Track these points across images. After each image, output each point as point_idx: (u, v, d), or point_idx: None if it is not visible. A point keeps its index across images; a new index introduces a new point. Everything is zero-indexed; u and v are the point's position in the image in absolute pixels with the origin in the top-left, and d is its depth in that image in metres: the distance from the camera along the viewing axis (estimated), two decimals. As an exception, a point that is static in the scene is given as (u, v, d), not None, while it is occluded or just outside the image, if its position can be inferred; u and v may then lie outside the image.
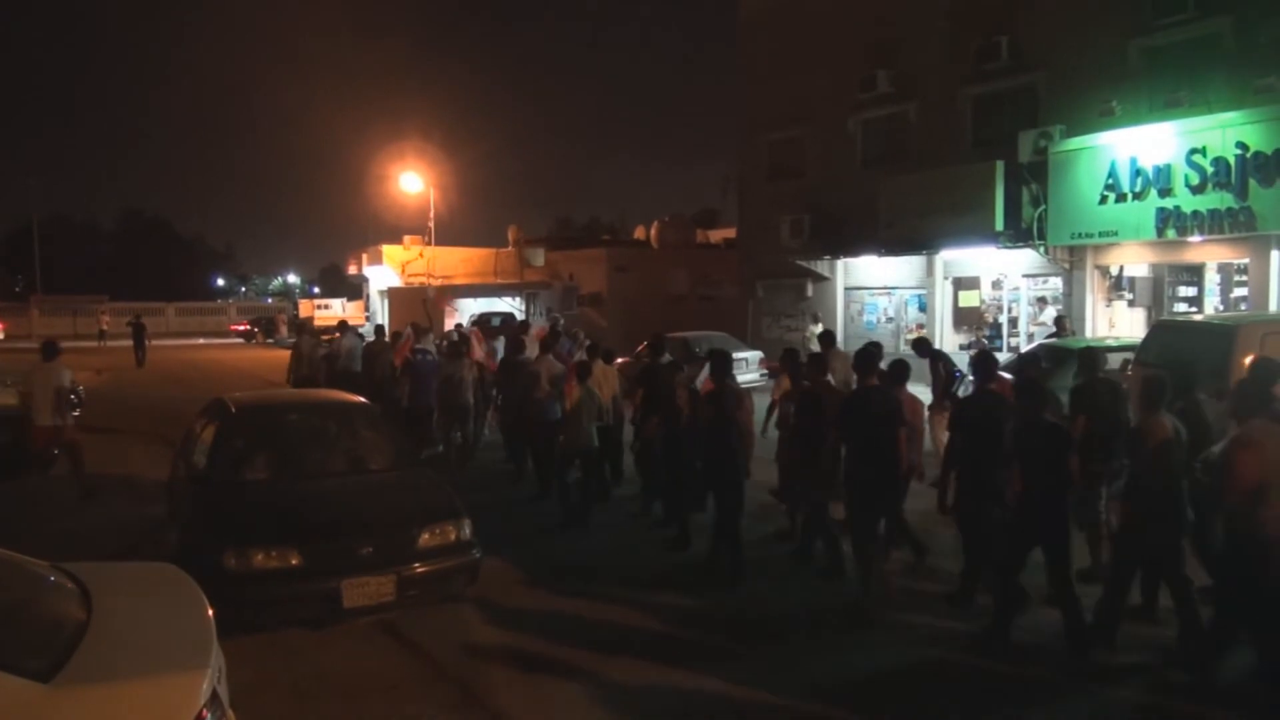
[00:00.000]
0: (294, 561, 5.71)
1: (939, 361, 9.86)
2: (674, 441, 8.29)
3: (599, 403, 9.09)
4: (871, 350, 6.93)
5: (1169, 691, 5.15)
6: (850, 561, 6.73)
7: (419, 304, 31.67)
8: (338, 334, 16.02)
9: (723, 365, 7.73)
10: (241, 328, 49.52)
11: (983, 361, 6.82)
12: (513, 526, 8.78)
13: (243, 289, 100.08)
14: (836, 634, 6.08)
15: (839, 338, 21.74)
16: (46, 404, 9.95)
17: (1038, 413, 5.76)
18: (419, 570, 5.99)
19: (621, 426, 10.21)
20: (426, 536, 6.14)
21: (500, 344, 14.13)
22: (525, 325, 19.79)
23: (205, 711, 3.34)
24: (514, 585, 7.12)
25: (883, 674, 5.48)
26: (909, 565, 7.13)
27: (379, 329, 15.41)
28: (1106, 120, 16.16)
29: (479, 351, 12.81)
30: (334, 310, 49.78)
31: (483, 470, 11.41)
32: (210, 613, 4.10)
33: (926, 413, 8.51)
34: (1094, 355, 7.23)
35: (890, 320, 21.57)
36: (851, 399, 6.75)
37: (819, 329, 15.26)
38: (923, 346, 10.42)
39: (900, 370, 7.25)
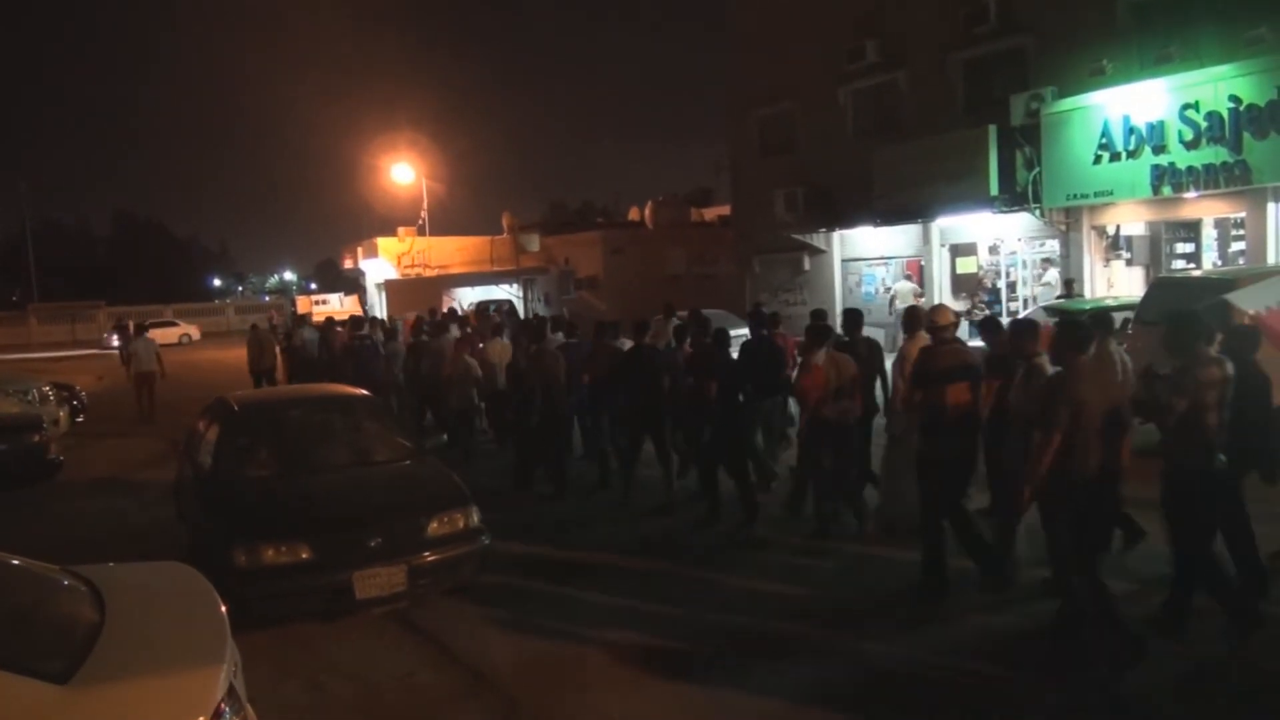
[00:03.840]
0: (304, 555, 5.73)
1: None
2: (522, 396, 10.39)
3: (477, 372, 11.21)
4: (648, 322, 9.90)
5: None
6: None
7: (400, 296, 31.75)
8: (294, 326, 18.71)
9: (539, 330, 10.51)
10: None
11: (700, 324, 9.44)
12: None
13: (239, 288, 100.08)
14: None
15: (837, 309, 21.73)
16: (151, 359, 16.80)
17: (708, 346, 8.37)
18: (429, 559, 6.01)
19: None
20: (435, 525, 6.16)
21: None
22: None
23: (223, 705, 3.37)
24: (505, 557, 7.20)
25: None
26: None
27: (328, 320, 17.41)
28: (1098, 80, 16.06)
29: (408, 336, 14.59)
30: (331, 305, 49.66)
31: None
32: (223, 609, 4.12)
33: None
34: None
35: (888, 290, 21.51)
36: (628, 355, 9.13)
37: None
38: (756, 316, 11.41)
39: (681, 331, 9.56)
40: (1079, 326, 5.33)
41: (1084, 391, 4.94)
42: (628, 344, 9.97)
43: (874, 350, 8.55)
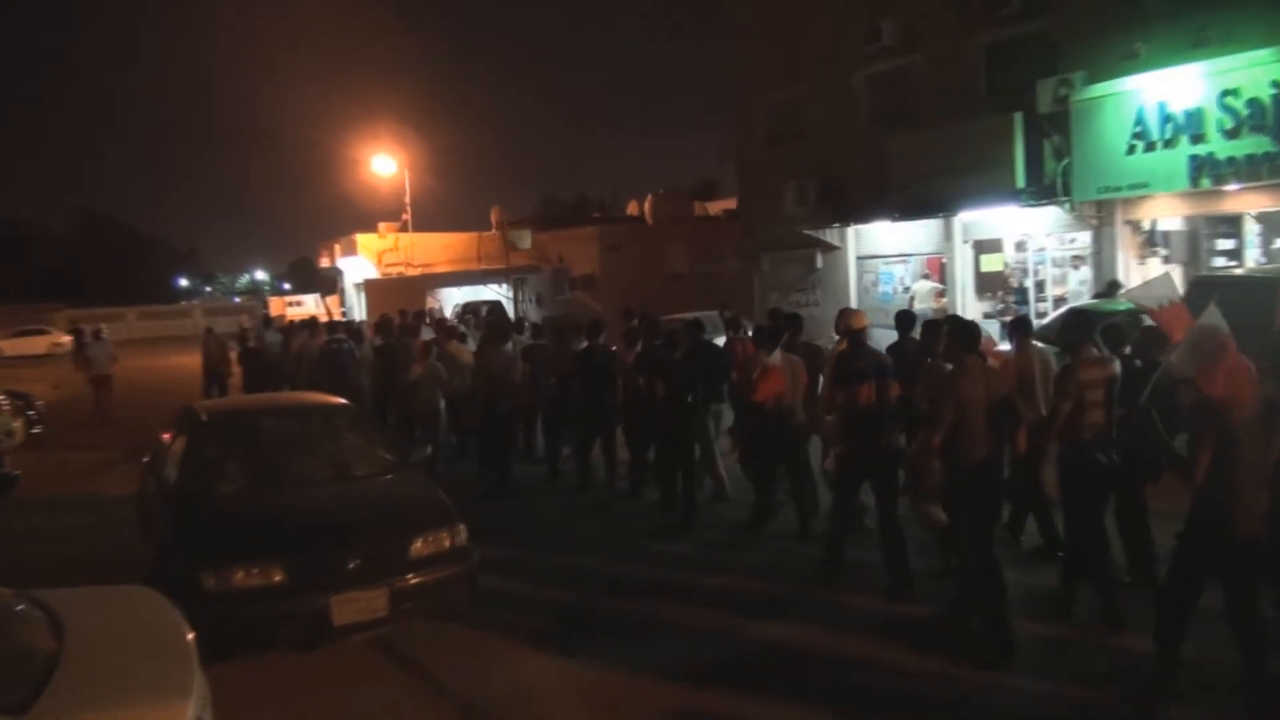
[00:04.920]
0: (277, 578, 5.72)
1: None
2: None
3: (442, 375, 11.78)
4: (598, 321, 10.75)
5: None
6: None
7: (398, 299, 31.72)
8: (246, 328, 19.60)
9: (495, 332, 11.66)
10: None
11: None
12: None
13: (208, 289, 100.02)
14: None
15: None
16: (107, 361, 18.93)
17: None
18: (413, 582, 6.00)
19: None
20: (419, 545, 6.15)
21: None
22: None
23: (191, 741, 3.36)
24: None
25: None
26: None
27: (291, 322, 18.45)
28: (1130, 64, 16.05)
29: (372, 339, 15.16)
30: (307, 307, 49.62)
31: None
32: (190, 636, 4.12)
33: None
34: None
35: (907, 290, 21.51)
36: (579, 355, 10.22)
37: None
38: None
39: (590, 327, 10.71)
40: (970, 327, 6.03)
41: (968, 390, 5.56)
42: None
43: (814, 355, 9.13)
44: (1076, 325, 6.18)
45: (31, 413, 15.74)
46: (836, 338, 8.12)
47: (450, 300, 34.92)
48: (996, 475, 5.74)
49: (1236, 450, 4.44)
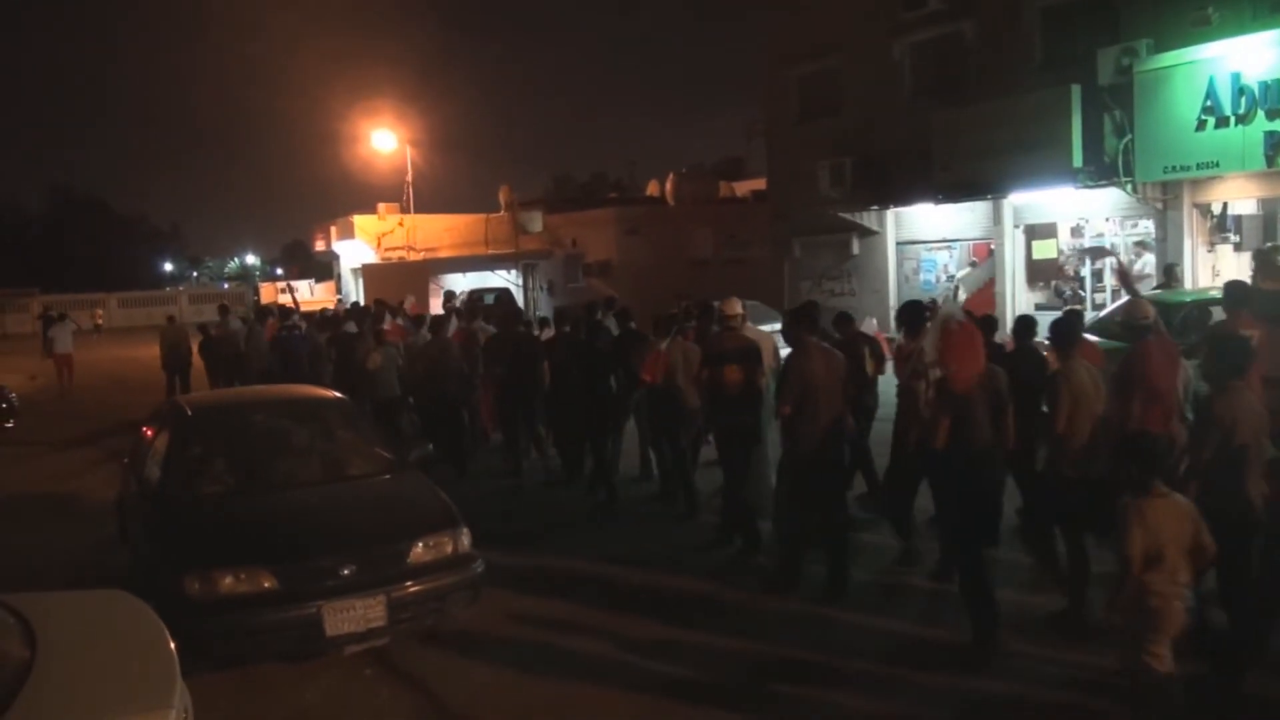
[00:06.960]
0: (266, 584, 5.74)
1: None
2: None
3: (399, 363, 12.59)
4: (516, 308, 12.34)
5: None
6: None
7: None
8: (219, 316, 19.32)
9: (439, 319, 12.82)
10: None
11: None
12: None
13: (194, 273, 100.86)
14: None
15: (891, 300, 21.64)
16: (68, 341, 22.50)
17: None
18: (412, 590, 6.02)
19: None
20: (419, 550, 6.18)
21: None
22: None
23: (171, 758, 3.37)
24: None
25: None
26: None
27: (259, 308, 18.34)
28: (1202, 31, 15.89)
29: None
30: (300, 293, 49.88)
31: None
32: (172, 646, 4.13)
33: None
34: None
35: (951, 278, 21.43)
36: (509, 342, 11.04)
37: None
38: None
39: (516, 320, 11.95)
40: (811, 307, 7.34)
41: (810, 369, 6.76)
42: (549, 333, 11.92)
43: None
44: (913, 313, 7.60)
45: (4, 405, 15.88)
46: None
47: (455, 287, 34.95)
48: (835, 444, 7.04)
49: (971, 415, 5.79)
